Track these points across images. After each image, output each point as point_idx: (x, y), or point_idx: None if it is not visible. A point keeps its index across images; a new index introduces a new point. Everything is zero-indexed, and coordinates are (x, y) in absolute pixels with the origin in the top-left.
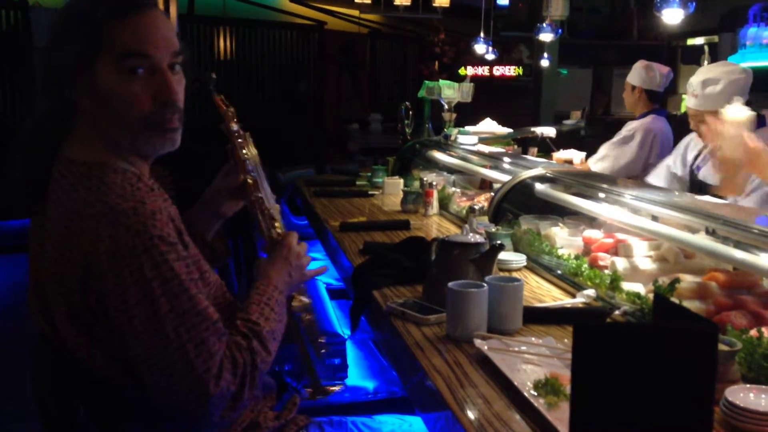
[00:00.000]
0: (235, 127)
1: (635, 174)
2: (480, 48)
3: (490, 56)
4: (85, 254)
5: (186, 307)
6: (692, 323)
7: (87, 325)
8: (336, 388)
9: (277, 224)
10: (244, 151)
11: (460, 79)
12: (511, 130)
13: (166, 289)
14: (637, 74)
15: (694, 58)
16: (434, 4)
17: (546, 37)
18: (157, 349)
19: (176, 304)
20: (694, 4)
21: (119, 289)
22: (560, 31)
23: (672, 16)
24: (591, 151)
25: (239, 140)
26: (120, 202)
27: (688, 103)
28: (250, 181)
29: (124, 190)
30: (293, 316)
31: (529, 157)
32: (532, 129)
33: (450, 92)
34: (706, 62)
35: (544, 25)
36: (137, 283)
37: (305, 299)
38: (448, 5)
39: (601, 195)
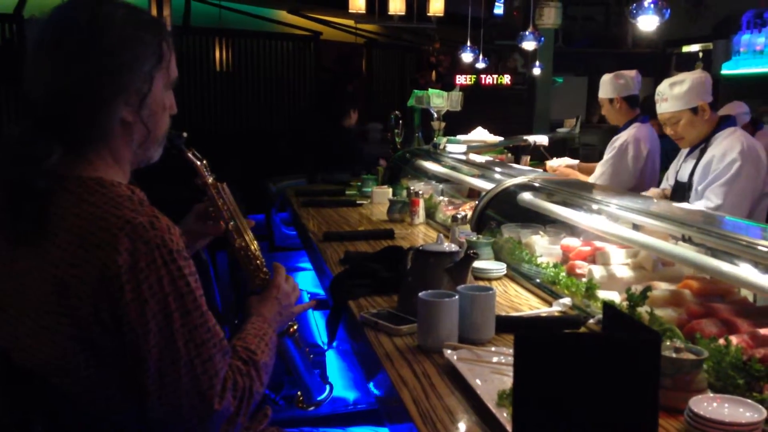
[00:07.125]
0: (210, 179)
1: (632, 187)
2: (467, 57)
3: (481, 65)
4: (101, 267)
5: (198, 323)
6: (637, 333)
7: (90, 340)
8: (325, 395)
9: (259, 262)
10: (221, 202)
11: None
12: (502, 139)
13: (181, 303)
14: (611, 86)
15: (688, 65)
16: (429, 14)
17: (529, 45)
18: (165, 363)
19: (189, 320)
20: (668, 11)
21: (137, 302)
22: (542, 39)
23: (647, 23)
24: (585, 159)
25: (215, 191)
26: (135, 216)
27: (660, 109)
28: (231, 228)
29: (133, 203)
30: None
31: (516, 165)
32: (525, 137)
33: (439, 101)
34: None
35: (527, 33)
36: (155, 296)
37: (294, 325)
38: (442, 14)
39: (580, 203)
